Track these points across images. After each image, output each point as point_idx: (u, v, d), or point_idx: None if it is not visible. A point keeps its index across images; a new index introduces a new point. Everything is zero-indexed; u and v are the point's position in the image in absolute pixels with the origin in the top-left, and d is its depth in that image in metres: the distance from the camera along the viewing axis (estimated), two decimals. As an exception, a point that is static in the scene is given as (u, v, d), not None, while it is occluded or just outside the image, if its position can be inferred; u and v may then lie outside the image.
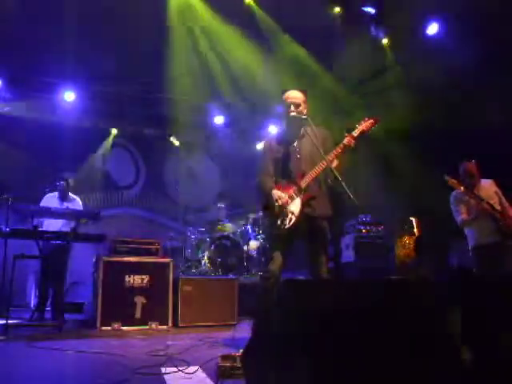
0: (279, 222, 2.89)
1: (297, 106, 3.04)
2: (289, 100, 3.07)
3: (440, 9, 5.92)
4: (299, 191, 2.93)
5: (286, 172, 3.06)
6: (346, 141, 2.90)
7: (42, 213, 4.68)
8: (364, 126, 2.99)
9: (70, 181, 5.33)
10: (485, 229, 4.08)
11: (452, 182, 4.07)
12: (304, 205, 2.92)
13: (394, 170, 6.94)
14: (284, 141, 3.15)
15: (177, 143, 8.51)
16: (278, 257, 2.94)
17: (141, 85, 7.21)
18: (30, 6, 5.49)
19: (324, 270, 2.94)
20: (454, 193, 4.26)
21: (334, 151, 2.90)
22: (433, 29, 6.21)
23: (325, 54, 6.37)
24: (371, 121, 3.01)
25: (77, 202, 5.32)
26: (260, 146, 3.38)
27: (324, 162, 2.88)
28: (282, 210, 2.90)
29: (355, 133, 2.95)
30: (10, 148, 6.76)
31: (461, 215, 4.16)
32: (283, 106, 3.11)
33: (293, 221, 2.88)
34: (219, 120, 8.47)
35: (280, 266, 2.94)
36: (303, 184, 2.93)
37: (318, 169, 2.91)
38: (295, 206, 2.92)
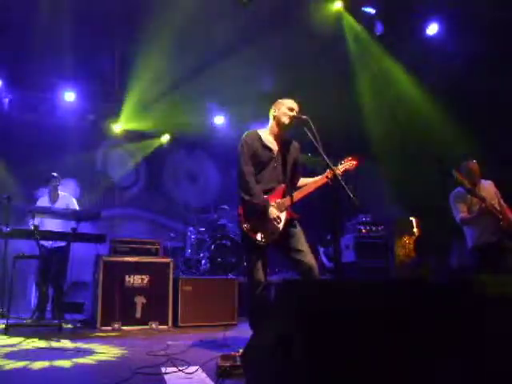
0: (259, 236, 2.87)
1: (296, 113, 3.04)
2: (290, 105, 3.06)
3: (440, 9, 5.93)
4: (284, 207, 2.94)
5: (261, 177, 3.00)
6: (330, 174, 2.98)
7: (42, 213, 4.68)
8: (348, 165, 3.17)
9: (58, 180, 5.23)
10: (485, 228, 4.10)
11: (461, 178, 4.05)
12: (287, 223, 2.94)
13: (394, 170, 6.94)
14: (268, 145, 3.07)
15: (165, 141, 8.51)
16: (260, 265, 2.92)
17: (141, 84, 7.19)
18: (31, 5, 5.49)
19: (313, 260, 2.91)
20: (454, 191, 4.27)
21: (319, 181, 3.05)
22: (433, 29, 6.21)
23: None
24: (355, 162, 3.20)
25: (68, 198, 5.26)
26: (246, 135, 3.20)
27: (311, 186, 3.05)
28: (265, 223, 2.88)
29: (340, 170, 3.11)
30: (9, 148, 6.76)
31: (461, 213, 4.17)
32: (282, 108, 3.06)
33: (274, 236, 2.89)
34: (219, 120, 8.48)
35: (265, 273, 2.95)
36: (288, 202, 2.97)
37: (304, 191, 3.04)
38: (278, 222, 2.91)
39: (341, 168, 3.12)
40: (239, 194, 3.00)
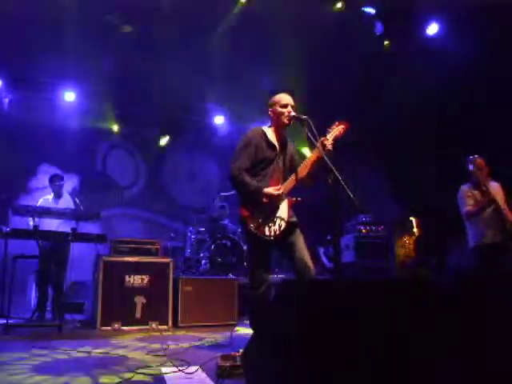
0: (267, 231, 2.82)
1: (291, 107, 3.02)
2: (283, 101, 3.02)
3: (440, 9, 5.93)
4: (284, 194, 2.91)
5: (265, 173, 2.98)
6: (320, 148, 2.85)
7: (42, 213, 4.67)
8: (337, 131, 3.01)
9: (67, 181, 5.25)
10: (489, 228, 4.12)
11: (477, 170, 4.08)
12: (290, 209, 2.91)
13: (394, 170, 6.94)
14: (273, 142, 3.06)
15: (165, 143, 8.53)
16: (264, 264, 2.90)
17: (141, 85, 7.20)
18: (31, 5, 5.49)
19: (310, 261, 2.87)
20: (462, 186, 4.31)
21: (311, 158, 2.92)
22: (433, 29, 6.22)
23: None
24: (342, 126, 3.03)
25: (69, 198, 5.25)
26: (250, 131, 3.17)
27: (303, 169, 2.93)
28: (270, 216, 2.85)
29: (329, 140, 2.94)
30: (9, 148, 6.76)
31: (467, 207, 4.19)
32: (277, 108, 3.03)
33: (283, 227, 2.83)
34: (219, 120, 8.49)
35: (269, 273, 2.92)
36: (286, 189, 2.92)
37: (297, 175, 2.93)
38: (282, 212, 2.89)
39: (329, 137, 2.95)
40: (237, 191, 2.99)
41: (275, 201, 2.88)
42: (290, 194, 2.98)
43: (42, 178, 5.37)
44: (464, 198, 4.24)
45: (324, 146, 2.89)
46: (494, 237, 4.10)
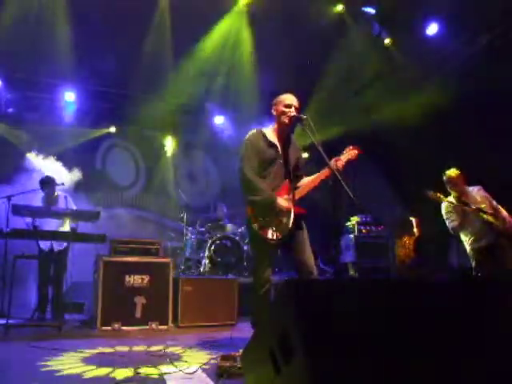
0: (270, 233, 2.87)
1: (295, 108, 3.04)
2: (287, 101, 3.05)
3: (440, 9, 5.93)
4: (291, 203, 2.94)
5: (266, 174, 3.00)
6: (334, 165, 2.94)
7: (42, 213, 4.66)
8: (349, 154, 3.10)
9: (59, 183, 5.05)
10: (479, 232, 4.16)
11: (434, 196, 4.16)
12: (296, 218, 2.93)
13: (394, 170, 6.94)
14: (273, 142, 3.07)
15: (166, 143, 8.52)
16: (267, 263, 2.93)
17: (141, 85, 7.20)
18: (30, 6, 5.49)
19: (313, 266, 2.95)
20: (443, 203, 4.32)
21: (322, 174, 3.02)
22: (433, 29, 6.22)
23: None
24: (356, 151, 3.12)
25: (66, 198, 5.11)
26: (250, 134, 3.19)
27: (314, 181, 3.05)
28: (274, 220, 2.89)
29: (343, 160, 3.02)
30: (8, 147, 6.76)
31: (452, 222, 4.25)
32: (280, 107, 3.06)
33: (285, 233, 2.89)
34: (219, 120, 8.49)
35: (271, 272, 2.95)
36: (296, 196, 2.98)
37: (306, 187, 3.05)
38: (287, 218, 2.92)
39: (343, 158, 3.05)
40: (245, 195, 2.99)
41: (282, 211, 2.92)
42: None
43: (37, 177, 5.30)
44: (448, 214, 4.29)
45: (336, 164, 2.95)
46: (485, 240, 4.16)
